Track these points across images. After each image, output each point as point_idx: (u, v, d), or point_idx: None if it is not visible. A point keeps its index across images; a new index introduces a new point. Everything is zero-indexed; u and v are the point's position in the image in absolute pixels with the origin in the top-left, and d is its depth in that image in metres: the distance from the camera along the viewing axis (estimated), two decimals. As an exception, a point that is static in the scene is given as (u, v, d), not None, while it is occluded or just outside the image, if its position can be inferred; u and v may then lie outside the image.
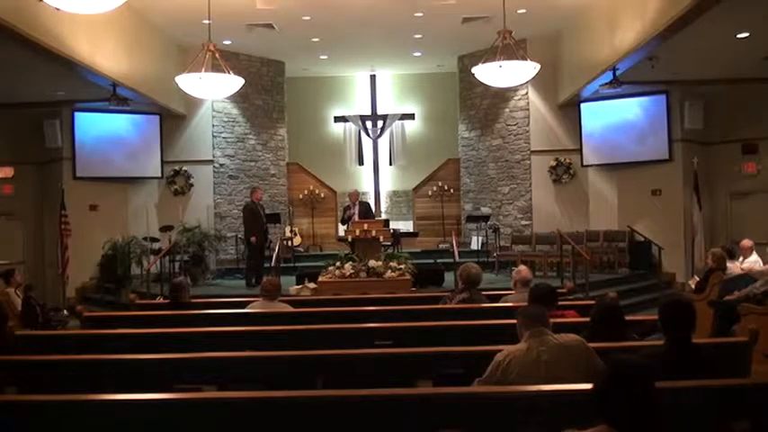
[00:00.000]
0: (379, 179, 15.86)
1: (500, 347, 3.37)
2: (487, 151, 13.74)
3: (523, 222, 13.20)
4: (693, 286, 8.34)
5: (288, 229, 13.54)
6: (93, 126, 12.18)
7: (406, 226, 14.55)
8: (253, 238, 10.79)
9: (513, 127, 13.30)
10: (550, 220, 12.63)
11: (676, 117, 11.85)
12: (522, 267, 6.07)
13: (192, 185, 13.10)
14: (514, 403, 3.01)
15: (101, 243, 11.69)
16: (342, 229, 12.29)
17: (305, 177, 14.77)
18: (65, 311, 9.89)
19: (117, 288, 11.39)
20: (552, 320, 3.58)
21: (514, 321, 3.55)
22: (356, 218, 10.93)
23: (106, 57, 9.29)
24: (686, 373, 3.13)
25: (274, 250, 10.79)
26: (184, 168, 13.06)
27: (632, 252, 11.90)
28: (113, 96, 10.12)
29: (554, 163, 12.96)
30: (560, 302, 5.05)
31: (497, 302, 5.81)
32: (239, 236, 12.58)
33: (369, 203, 12.49)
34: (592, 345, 3.44)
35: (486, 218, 12.90)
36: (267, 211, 11.85)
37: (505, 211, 13.44)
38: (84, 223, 11.75)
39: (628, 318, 4.30)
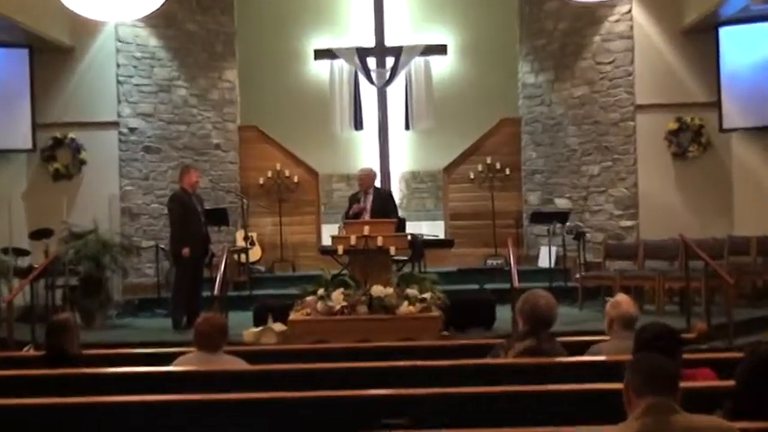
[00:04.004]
0: (388, 153, 15.77)
1: (590, 429, 3.34)
2: (565, 107, 13.74)
3: (624, 223, 13.20)
4: None
5: (241, 234, 13.56)
6: None
7: (432, 229, 14.51)
8: (185, 250, 10.81)
9: (608, 67, 13.29)
10: (668, 219, 12.58)
11: None
12: (623, 298, 6.07)
13: (83, 163, 13.13)
14: None
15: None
16: (328, 236, 12.28)
17: (268, 150, 14.79)
18: None
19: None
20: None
21: (615, 386, 3.52)
22: (367, 216, 10.89)
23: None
24: None
25: (219, 269, 10.79)
26: (71, 136, 13.09)
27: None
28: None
29: (675, 126, 12.94)
30: (686, 356, 5.04)
31: (583, 355, 5.83)
32: (162, 246, 12.63)
33: (390, 192, 12.44)
34: (741, 424, 3.40)
35: (563, 216, 12.89)
36: (207, 206, 11.89)
37: (595, 204, 13.46)
38: None
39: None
